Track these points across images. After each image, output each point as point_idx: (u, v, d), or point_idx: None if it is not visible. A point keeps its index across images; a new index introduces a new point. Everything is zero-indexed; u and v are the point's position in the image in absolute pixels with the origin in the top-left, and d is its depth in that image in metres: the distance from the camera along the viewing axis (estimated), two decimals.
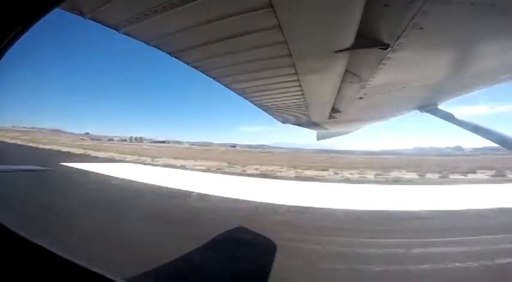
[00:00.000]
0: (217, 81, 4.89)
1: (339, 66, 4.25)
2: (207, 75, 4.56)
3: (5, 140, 42.23)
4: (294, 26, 3.07)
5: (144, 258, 6.02)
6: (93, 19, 2.90)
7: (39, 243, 1.55)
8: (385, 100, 6.60)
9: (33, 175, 14.14)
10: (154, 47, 3.57)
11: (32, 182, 13.18)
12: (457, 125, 7.67)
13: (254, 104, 6.68)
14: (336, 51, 3.66)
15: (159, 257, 5.94)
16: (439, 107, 7.58)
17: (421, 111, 8.19)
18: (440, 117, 7.73)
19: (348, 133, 12.23)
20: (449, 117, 7.58)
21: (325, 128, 10.97)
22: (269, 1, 2.59)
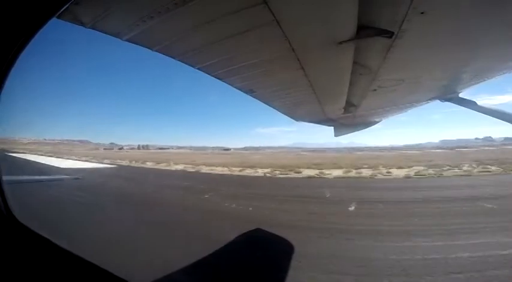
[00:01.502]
0: (223, 81, 4.94)
1: (345, 58, 4.19)
2: (213, 76, 4.62)
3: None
4: (291, 20, 3.06)
5: None
6: (94, 28, 3.02)
7: (76, 253, 1.63)
8: (401, 90, 6.38)
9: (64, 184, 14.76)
10: (158, 51, 3.66)
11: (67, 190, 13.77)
12: (483, 112, 7.28)
13: (265, 103, 6.70)
14: (340, 43, 3.64)
15: None
16: (460, 95, 7.23)
17: (441, 101, 7.86)
18: (463, 106, 7.38)
19: (366, 128, 11.89)
20: (472, 105, 7.21)
21: (342, 123, 10.78)
22: None
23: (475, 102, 7.16)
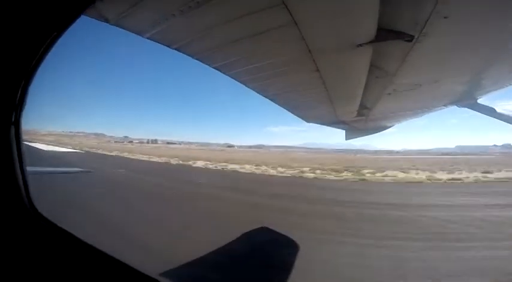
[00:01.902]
0: (239, 81, 4.97)
1: (363, 60, 4.15)
2: (228, 75, 4.63)
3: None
4: (309, 21, 3.04)
5: None
6: (117, 25, 3.08)
7: (93, 244, 1.63)
8: (417, 95, 6.26)
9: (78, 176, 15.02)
10: (177, 50, 3.70)
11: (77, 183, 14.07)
12: (502, 120, 7.07)
13: (277, 104, 6.70)
14: (358, 45, 3.61)
15: None
16: (479, 101, 7.04)
17: (459, 107, 7.67)
18: (482, 113, 7.18)
19: (378, 131, 11.71)
20: (491, 112, 7.01)
21: (354, 127, 10.66)
22: None
23: (494, 109, 6.96)
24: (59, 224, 1.71)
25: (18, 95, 1.48)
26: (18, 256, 1.51)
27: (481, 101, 7.14)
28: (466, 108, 7.56)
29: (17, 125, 1.53)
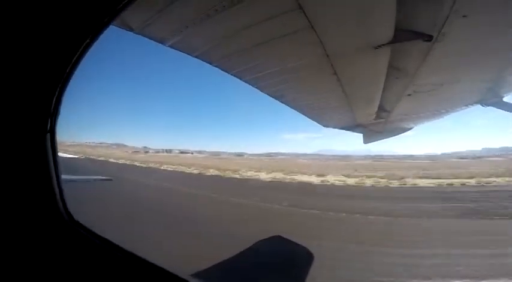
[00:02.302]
0: (255, 87, 5.02)
1: (381, 62, 4.14)
2: (244, 81, 4.72)
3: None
4: (326, 25, 3.08)
5: None
6: (141, 34, 3.21)
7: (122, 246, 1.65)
8: (439, 95, 6.13)
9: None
10: (197, 57, 3.81)
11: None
12: None
13: (294, 109, 6.73)
14: (376, 47, 3.63)
15: None
16: (505, 99, 6.78)
17: (483, 106, 7.41)
18: (508, 111, 6.90)
19: (397, 134, 11.44)
20: None
21: (372, 130, 10.48)
22: (296, 2, 2.62)
23: None
24: (96, 231, 1.73)
25: (53, 103, 1.50)
26: (57, 265, 1.53)
27: (507, 99, 6.90)
28: (491, 107, 7.31)
29: (53, 132, 1.56)
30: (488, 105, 7.19)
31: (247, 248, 7.26)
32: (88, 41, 1.46)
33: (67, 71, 1.50)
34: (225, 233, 9.09)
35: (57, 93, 1.52)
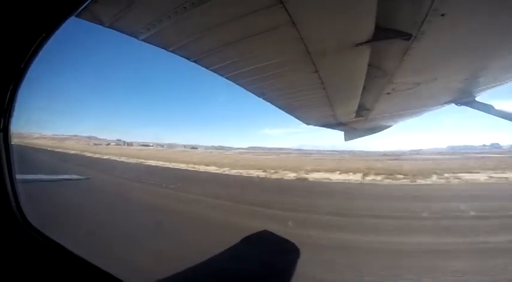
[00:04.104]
0: (236, 83, 4.91)
1: (361, 60, 4.14)
2: (225, 78, 4.60)
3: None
4: (308, 21, 3.02)
5: None
6: (111, 27, 3.05)
7: (79, 254, 1.61)
8: (416, 94, 6.27)
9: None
10: (172, 52, 3.66)
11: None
12: (501, 117, 7.09)
13: (275, 106, 6.68)
14: (357, 45, 3.60)
15: None
16: (477, 99, 7.07)
17: (457, 105, 7.68)
18: (480, 110, 7.20)
19: (378, 132, 11.72)
20: (490, 109, 7.03)
21: (353, 127, 10.66)
22: None
23: (492, 106, 6.98)
24: (51, 236, 1.67)
25: (7, 100, 1.42)
26: (6, 268, 1.44)
27: (479, 98, 7.19)
28: (463, 107, 7.60)
29: (6, 131, 1.48)
30: (462, 105, 7.47)
31: (235, 244, 7.21)
32: (44, 35, 1.38)
33: (21, 67, 1.41)
34: None
35: (10, 90, 1.42)
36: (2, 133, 1.45)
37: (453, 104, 7.71)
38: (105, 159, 37.16)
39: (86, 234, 7.47)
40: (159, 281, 4.46)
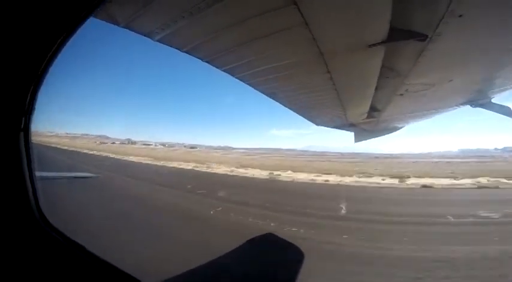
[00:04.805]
0: (248, 84, 4.93)
1: (374, 61, 4.10)
2: (238, 78, 4.64)
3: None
4: (321, 22, 3.01)
5: None
6: (127, 28, 3.10)
7: (93, 251, 1.62)
8: (430, 95, 6.15)
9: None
10: (186, 52, 3.71)
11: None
12: None
13: (286, 106, 6.67)
14: (370, 46, 3.57)
15: None
16: (493, 100, 6.89)
17: (472, 107, 7.51)
18: (496, 112, 7.01)
19: (388, 133, 11.55)
20: (506, 111, 6.84)
21: (364, 129, 10.54)
22: None
23: (509, 107, 6.80)
24: (68, 235, 1.67)
25: (28, 100, 1.44)
26: (26, 267, 1.47)
27: (495, 100, 7.01)
28: (478, 109, 7.42)
29: (26, 130, 1.49)
30: (477, 106, 7.29)
31: (239, 246, 7.19)
32: (65, 35, 1.40)
33: (42, 67, 1.43)
34: None
35: (31, 90, 1.44)
36: (22, 133, 1.47)
37: (468, 106, 7.54)
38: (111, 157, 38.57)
39: (98, 231, 7.61)
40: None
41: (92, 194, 12.88)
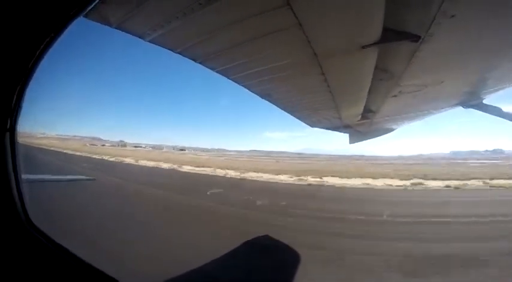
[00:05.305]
0: (242, 85, 4.91)
1: (368, 62, 4.11)
2: (231, 79, 4.61)
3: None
4: (315, 23, 3.00)
5: None
6: (119, 28, 3.05)
7: (83, 258, 1.60)
8: (423, 96, 6.21)
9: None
10: (180, 53, 3.67)
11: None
12: (508, 119, 6.98)
13: (280, 108, 6.66)
14: (364, 47, 3.58)
15: None
16: (484, 101, 6.98)
17: (464, 108, 7.60)
18: (488, 113, 7.10)
19: (383, 134, 11.62)
20: (497, 112, 6.94)
21: (358, 130, 10.59)
22: None
23: (500, 108, 6.89)
24: (54, 237, 1.65)
25: (14, 100, 1.41)
26: (10, 268, 1.43)
27: (487, 101, 7.10)
28: (469, 110, 7.51)
29: (12, 131, 1.46)
30: (469, 107, 7.38)
31: (234, 248, 7.17)
32: (52, 35, 1.37)
33: (29, 67, 1.41)
34: None
35: (17, 90, 1.42)
36: (8, 133, 1.44)
37: (460, 107, 7.63)
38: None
39: (89, 236, 7.49)
40: None
41: (86, 196, 12.83)
